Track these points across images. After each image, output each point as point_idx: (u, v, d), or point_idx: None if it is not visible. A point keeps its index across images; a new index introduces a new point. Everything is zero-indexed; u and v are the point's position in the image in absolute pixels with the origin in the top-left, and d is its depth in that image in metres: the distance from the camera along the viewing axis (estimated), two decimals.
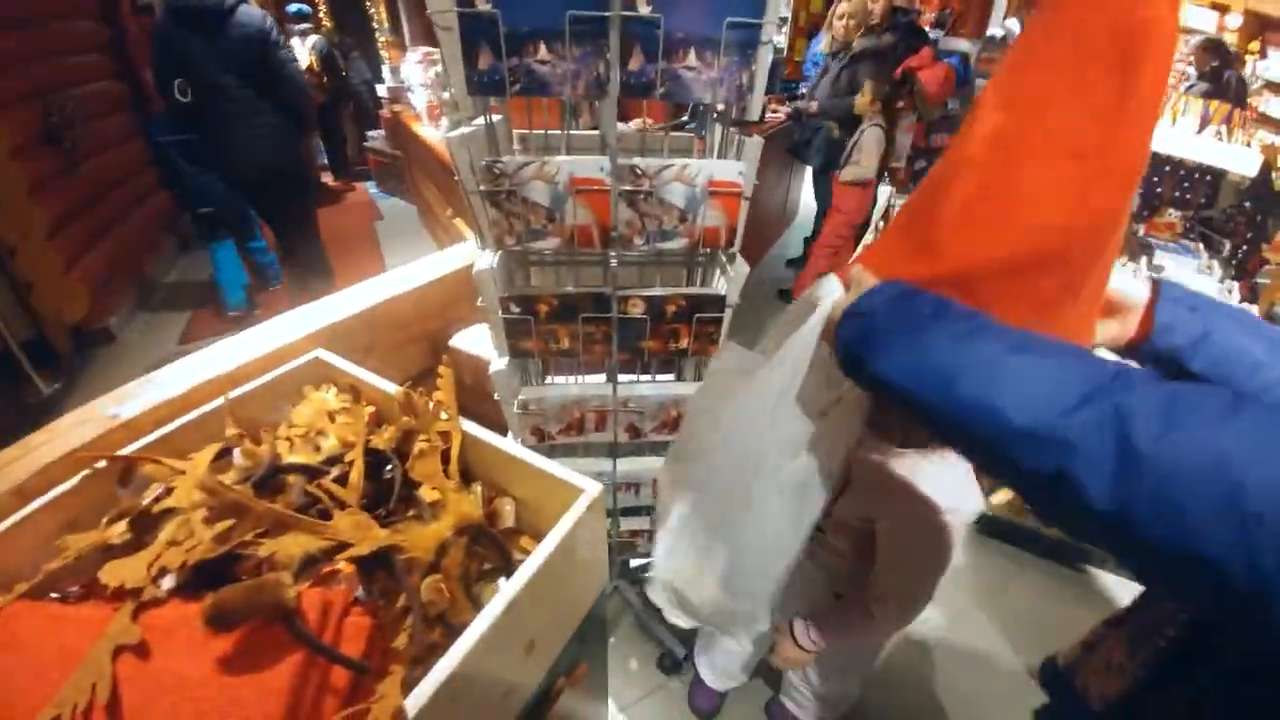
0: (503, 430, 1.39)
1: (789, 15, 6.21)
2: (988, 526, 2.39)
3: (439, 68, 4.25)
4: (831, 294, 0.75)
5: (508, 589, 0.77)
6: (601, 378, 1.43)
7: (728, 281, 1.24)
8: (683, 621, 1.24)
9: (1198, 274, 2.40)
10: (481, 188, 1.03)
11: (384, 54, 7.30)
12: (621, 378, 1.39)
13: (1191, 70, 4.73)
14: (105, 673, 0.65)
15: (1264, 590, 0.41)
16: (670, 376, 1.58)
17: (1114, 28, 0.58)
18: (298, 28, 5.62)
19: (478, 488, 1.01)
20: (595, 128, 1.22)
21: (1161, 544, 0.45)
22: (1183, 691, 0.76)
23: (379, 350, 1.49)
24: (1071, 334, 0.67)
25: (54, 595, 0.81)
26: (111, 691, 0.64)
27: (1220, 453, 0.43)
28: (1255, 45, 5.59)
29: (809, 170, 4.46)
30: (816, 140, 3.80)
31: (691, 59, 0.94)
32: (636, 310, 1.21)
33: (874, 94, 3.38)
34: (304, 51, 5.55)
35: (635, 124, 1.84)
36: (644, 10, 0.89)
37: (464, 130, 1.03)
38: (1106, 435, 0.47)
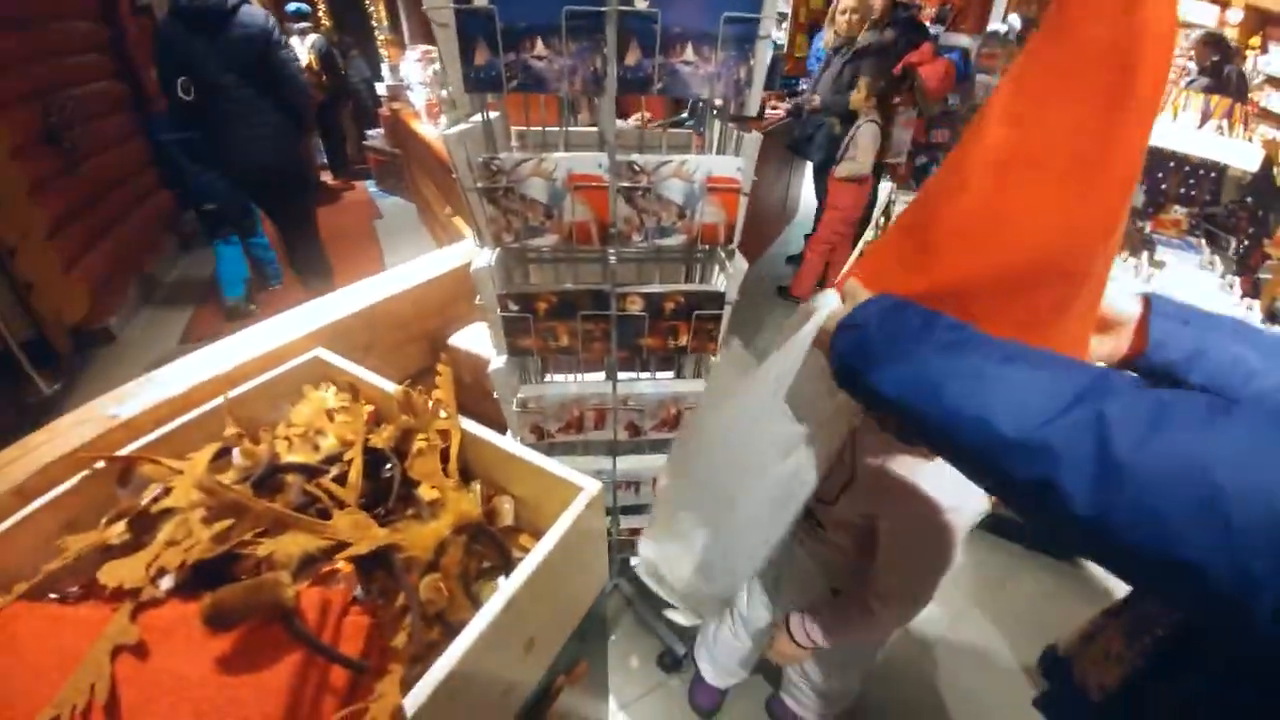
0: (502, 429, 1.39)
1: (788, 11, 6.20)
2: (987, 523, 2.37)
3: (438, 65, 4.24)
4: (827, 305, 0.77)
5: (507, 587, 0.77)
6: (601, 376, 1.42)
7: (727, 278, 1.24)
8: (661, 591, 1.28)
9: (1199, 270, 2.39)
10: (479, 185, 1.03)
11: (383, 52, 7.30)
12: (621, 375, 1.38)
13: (1192, 65, 4.72)
14: (104, 673, 0.65)
15: (1246, 594, 0.41)
16: (670, 374, 1.58)
17: (1111, 39, 0.58)
18: (297, 27, 5.62)
19: (477, 486, 1.01)
20: (594, 124, 1.21)
21: (1143, 550, 0.45)
22: (1178, 685, 0.76)
23: (378, 349, 1.49)
24: (1066, 349, 0.67)
25: (53, 596, 0.81)
26: (110, 692, 0.64)
27: (1200, 458, 0.43)
28: (1256, 40, 5.57)
29: (809, 167, 4.45)
30: (818, 136, 3.79)
31: (689, 54, 0.93)
32: (635, 307, 1.21)
33: (869, 90, 3.38)
34: (303, 50, 5.54)
35: (634, 120, 1.83)
36: (641, 5, 0.89)
37: (461, 127, 1.03)
38: (1088, 442, 0.47)
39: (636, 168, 1.04)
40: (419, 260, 1.71)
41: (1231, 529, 0.41)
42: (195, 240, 4.95)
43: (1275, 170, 4.20)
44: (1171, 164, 3.36)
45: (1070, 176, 0.62)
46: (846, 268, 2.37)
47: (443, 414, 1.03)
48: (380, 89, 6.42)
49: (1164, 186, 3.30)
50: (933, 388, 0.58)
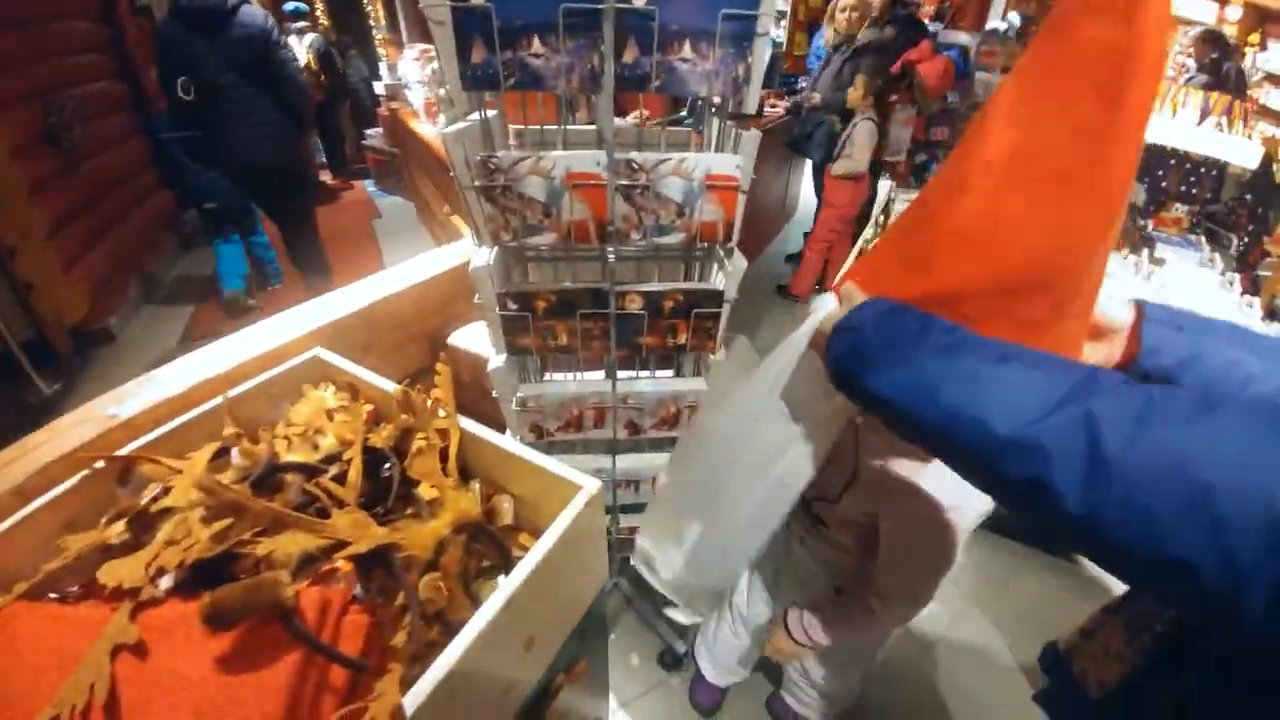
0: (501, 428, 1.39)
1: (787, 9, 6.19)
2: (988, 521, 2.37)
3: (436, 64, 4.24)
4: (824, 308, 0.78)
5: (506, 586, 0.77)
6: (600, 374, 1.42)
7: (726, 276, 1.24)
8: (655, 584, 1.33)
9: (1199, 267, 2.39)
10: (476, 183, 1.03)
11: (381, 51, 7.29)
12: (620, 374, 1.38)
13: (1191, 62, 4.71)
14: (104, 672, 0.65)
15: (1237, 591, 0.41)
16: (669, 372, 1.58)
17: (1111, 40, 0.59)
18: (294, 26, 5.62)
19: (476, 485, 1.01)
20: (592, 123, 1.21)
21: (1134, 548, 0.46)
22: (1176, 683, 0.77)
23: (377, 348, 1.49)
24: (1063, 350, 0.68)
25: (53, 595, 0.81)
26: (110, 691, 0.64)
27: (1187, 455, 0.44)
28: (1255, 37, 5.56)
29: (808, 165, 4.45)
30: (818, 134, 3.79)
31: (687, 51, 0.93)
32: (634, 306, 1.21)
33: (866, 88, 3.38)
34: (301, 50, 5.53)
35: (632, 118, 1.83)
36: (638, 2, 0.89)
37: (459, 126, 1.02)
38: (1078, 441, 0.48)
39: (635, 166, 1.04)
40: (418, 259, 1.71)
41: (1220, 525, 0.42)
42: (195, 240, 4.96)
43: (1275, 167, 4.20)
44: (1172, 161, 3.35)
45: (1069, 178, 0.63)
46: (844, 269, 2.37)
47: (442, 413, 1.03)
48: (378, 88, 6.41)
49: (1164, 184, 3.30)
50: (928, 389, 0.59)
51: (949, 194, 0.71)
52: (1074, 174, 0.63)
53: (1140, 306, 0.76)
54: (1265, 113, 5.15)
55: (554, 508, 0.89)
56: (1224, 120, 2.08)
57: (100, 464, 0.92)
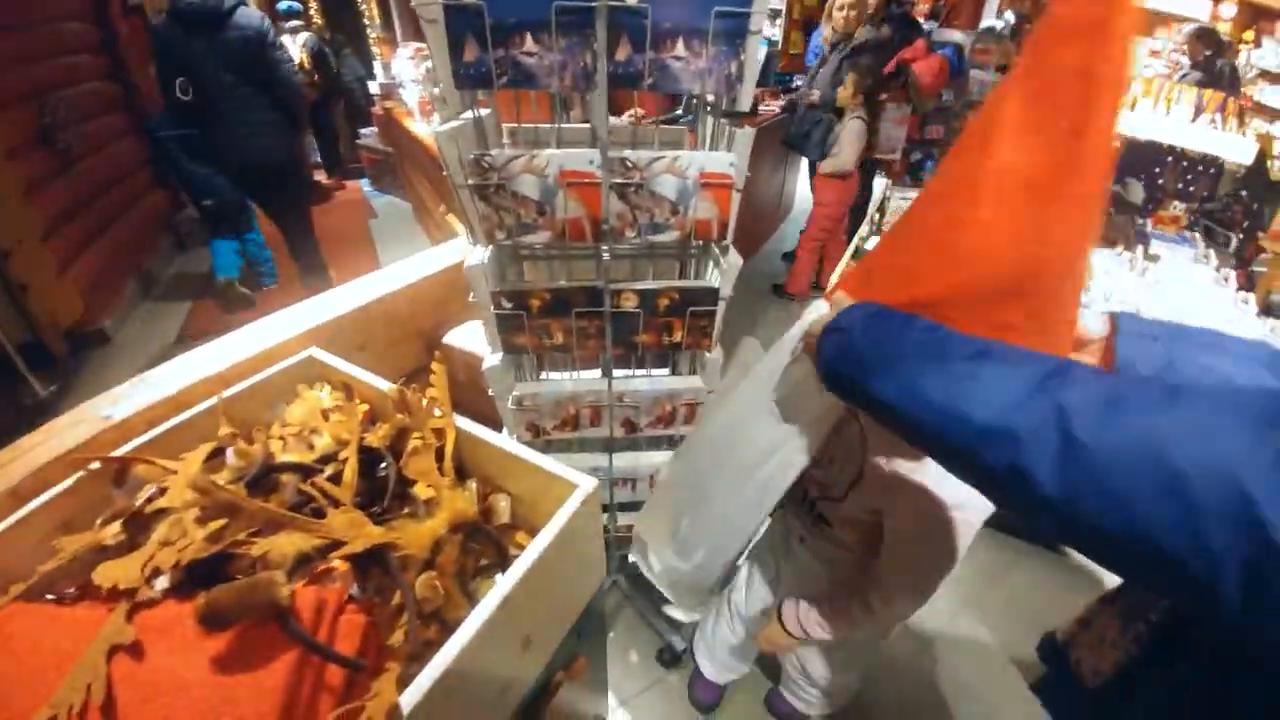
0: (498, 426, 1.39)
1: (781, 7, 6.19)
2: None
3: (430, 63, 4.24)
4: (816, 311, 0.83)
5: (502, 585, 0.78)
6: (596, 373, 1.42)
7: (721, 274, 1.24)
8: (650, 576, 1.36)
9: (1194, 263, 2.39)
10: (470, 182, 1.03)
11: (375, 50, 7.25)
12: (616, 372, 1.38)
13: (1184, 59, 4.72)
14: (100, 673, 0.65)
15: (1212, 574, 0.42)
16: (665, 371, 1.58)
17: (1074, 71, 0.62)
18: (288, 25, 5.60)
19: (472, 484, 1.01)
20: (587, 121, 1.21)
21: (1112, 534, 0.47)
22: (1169, 672, 0.78)
23: (373, 348, 1.49)
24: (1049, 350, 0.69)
25: (50, 596, 0.81)
26: (106, 692, 0.64)
27: (1156, 439, 0.45)
28: (1249, 34, 5.58)
29: (804, 163, 4.46)
30: (816, 133, 3.79)
31: (680, 49, 0.93)
32: (629, 304, 1.21)
33: (856, 86, 3.38)
34: (295, 49, 5.51)
35: (627, 116, 1.83)
36: (631, 0, 0.89)
37: (452, 124, 1.02)
38: (1051, 429, 0.49)
39: (629, 164, 1.04)
40: (413, 259, 1.71)
41: (1190, 508, 0.42)
42: (191, 239, 4.96)
43: (1269, 163, 4.21)
44: (1169, 159, 3.36)
45: (1040, 191, 0.66)
46: (837, 273, 2.37)
47: (438, 412, 1.03)
48: (373, 87, 6.38)
49: (1161, 182, 3.31)
50: (910, 385, 0.61)
51: (931, 205, 0.77)
52: (1045, 187, 0.66)
53: (1114, 319, 0.78)
54: (1260, 109, 5.17)
55: (551, 506, 0.89)
56: (1218, 117, 2.08)
57: (95, 465, 0.91)
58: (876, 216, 2.90)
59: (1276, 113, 5.07)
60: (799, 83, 4.81)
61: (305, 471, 0.93)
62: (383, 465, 0.97)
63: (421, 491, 0.93)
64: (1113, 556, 0.50)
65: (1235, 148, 2.07)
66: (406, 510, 0.93)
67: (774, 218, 5.32)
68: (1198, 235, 2.79)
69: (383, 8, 6.92)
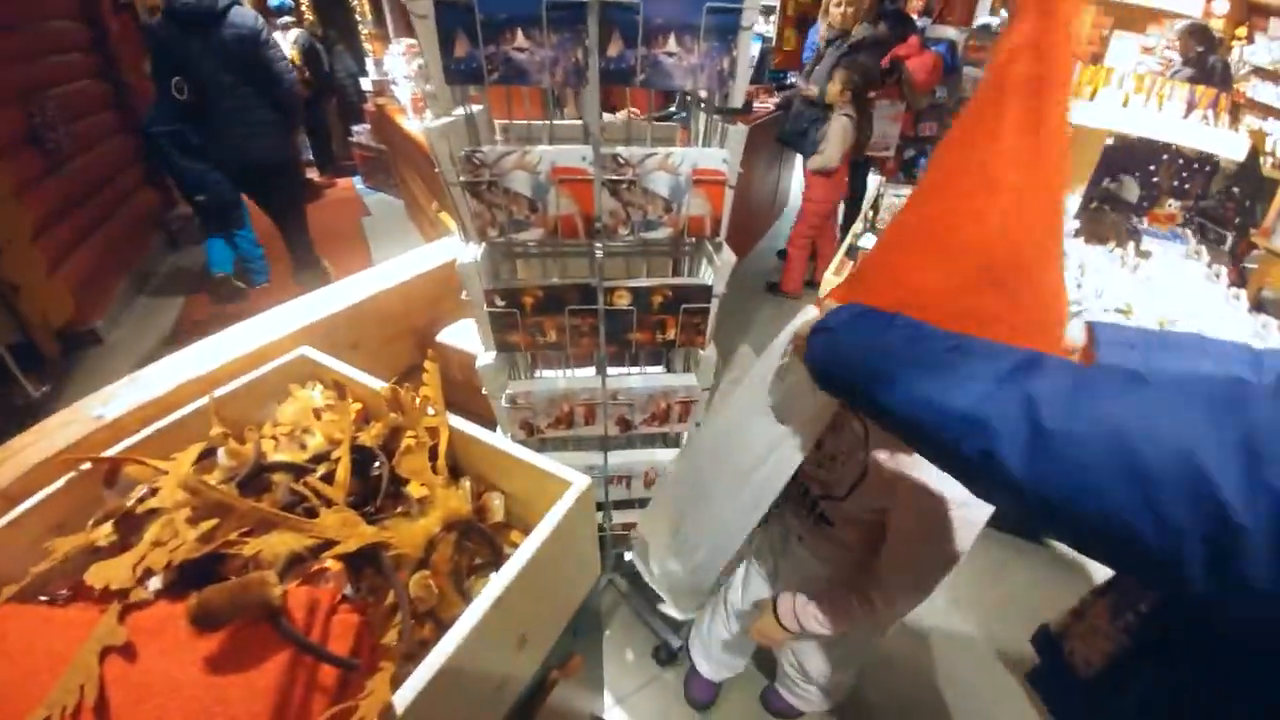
0: (493, 425, 1.39)
1: (775, 4, 6.18)
2: None
3: (422, 59, 4.22)
4: (804, 316, 0.88)
5: (496, 583, 0.77)
6: (590, 371, 1.42)
7: (714, 271, 1.24)
8: (648, 578, 1.39)
9: (1185, 259, 2.40)
10: (462, 179, 1.03)
11: (368, 46, 7.21)
12: (610, 370, 1.38)
13: (1176, 56, 4.74)
14: (93, 674, 0.65)
15: (1176, 550, 0.44)
16: (659, 368, 1.58)
17: (1025, 78, 0.70)
18: (279, 21, 5.57)
19: (466, 483, 1.01)
20: (579, 118, 1.21)
21: (1080, 516, 0.49)
22: (1158, 662, 0.79)
23: (366, 346, 1.48)
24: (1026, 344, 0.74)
25: (42, 598, 0.80)
26: (99, 693, 0.64)
27: (1118, 423, 0.48)
28: (1242, 31, 5.60)
29: (799, 160, 4.45)
30: (812, 130, 3.79)
31: (671, 45, 0.93)
32: (623, 302, 1.21)
33: (844, 83, 3.38)
34: (286, 45, 5.48)
35: (620, 115, 1.82)
36: None
37: (444, 121, 1.02)
38: (1020, 415, 0.52)
39: (621, 160, 1.04)
40: (406, 256, 1.71)
41: (1151, 488, 0.45)
42: (183, 237, 4.95)
43: (1261, 160, 4.23)
44: (1165, 157, 3.37)
45: (1002, 186, 0.72)
46: (831, 270, 2.37)
47: (431, 411, 1.03)
48: (365, 84, 6.35)
49: (1156, 180, 3.32)
50: (892, 378, 0.64)
51: (914, 207, 0.84)
52: (1005, 181, 0.72)
53: (1092, 329, 0.81)
54: (1252, 106, 5.19)
55: (545, 505, 0.89)
56: (1210, 113, 2.08)
57: (86, 466, 0.91)
58: (870, 213, 2.90)
59: (1269, 109, 5.10)
60: (793, 80, 4.81)
61: (297, 471, 0.92)
62: (376, 464, 0.96)
63: (415, 490, 0.93)
64: (1085, 541, 0.52)
65: (1227, 143, 2.07)
66: (400, 509, 0.92)
67: (768, 215, 5.32)
68: (1189, 232, 2.80)
69: (374, 4, 6.89)
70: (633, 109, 1.30)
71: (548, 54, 0.92)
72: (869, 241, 2.63)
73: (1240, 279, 3.38)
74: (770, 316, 3.97)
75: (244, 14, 3.14)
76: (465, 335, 1.66)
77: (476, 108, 1.09)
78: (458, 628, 0.72)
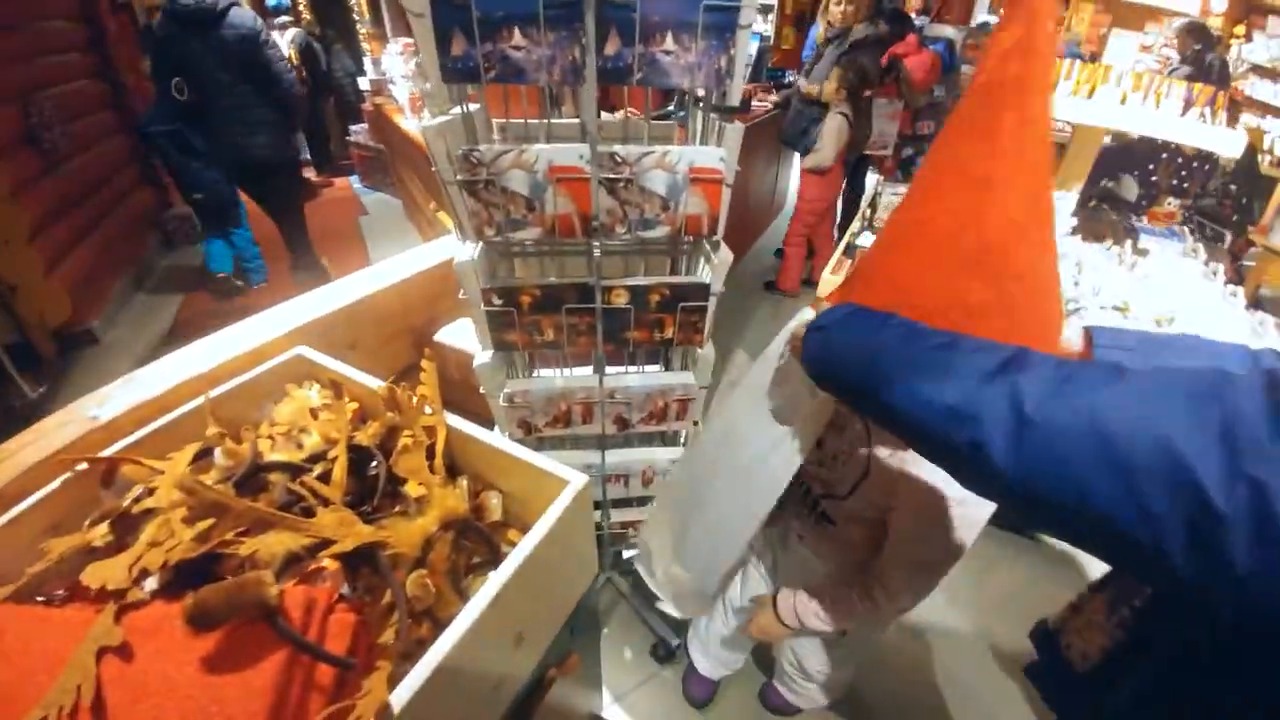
0: (491, 424, 1.38)
1: (773, 3, 6.18)
2: None
3: (419, 58, 4.22)
4: (800, 319, 0.90)
5: (493, 582, 0.77)
6: (588, 370, 1.42)
7: (712, 270, 1.24)
8: (652, 585, 1.40)
9: (1183, 257, 2.40)
10: (459, 177, 1.02)
11: (365, 46, 7.20)
12: (608, 369, 1.38)
13: (1174, 54, 4.74)
14: (89, 674, 0.64)
15: (1156, 536, 0.45)
16: (657, 367, 1.58)
17: (1009, 78, 0.73)
18: (277, 21, 5.56)
19: (464, 482, 1.01)
20: (577, 116, 1.21)
21: (1063, 504, 0.50)
22: (1151, 659, 0.80)
23: (363, 346, 1.48)
24: (1017, 332, 0.75)
25: (39, 598, 0.80)
26: (96, 693, 0.63)
27: (1097, 413, 0.49)
28: (1240, 29, 5.60)
29: (797, 159, 4.45)
30: (813, 130, 3.79)
31: (669, 43, 0.93)
32: (620, 300, 1.21)
33: (840, 82, 3.38)
34: (284, 45, 5.47)
35: (619, 115, 1.82)
36: None
37: (441, 119, 1.02)
38: (1005, 408, 0.54)
39: (618, 159, 1.04)
40: (403, 256, 1.70)
41: (1131, 476, 0.46)
42: (179, 237, 4.96)
43: (1259, 157, 4.23)
44: (1164, 156, 3.37)
45: (988, 181, 0.75)
46: (829, 269, 2.37)
47: (428, 410, 1.03)
48: (363, 83, 6.34)
49: (1155, 179, 3.32)
50: (885, 375, 0.66)
51: (904, 207, 0.87)
52: (992, 177, 0.74)
53: (1089, 333, 0.82)
54: (1250, 103, 5.20)
55: (542, 503, 0.89)
56: (1207, 111, 2.09)
57: (83, 466, 0.91)
58: (868, 212, 2.90)
59: (1267, 107, 5.10)
60: (791, 78, 4.80)
61: (294, 470, 0.92)
62: (373, 464, 0.96)
63: (412, 490, 0.93)
64: (1072, 531, 0.54)
65: (1224, 141, 2.07)
66: (397, 509, 0.92)
67: (767, 214, 5.32)
68: (1186, 230, 2.80)
69: (372, 3, 6.88)
70: (631, 110, 1.30)
71: (545, 52, 0.92)
72: (867, 240, 2.63)
73: (1238, 276, 3.39)
74: (769, 315, 3.97)
75: (243, 14, 3.19)
76: (463, 334, 1.66)
77: (474, 106, 1.09)
78: (455, 626, 0.72)
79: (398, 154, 4.99)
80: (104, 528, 0.84)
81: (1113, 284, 2.04)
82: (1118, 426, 0.47)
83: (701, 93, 1.12)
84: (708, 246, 1.27)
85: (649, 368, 1.55)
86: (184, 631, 0.66)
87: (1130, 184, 3.26)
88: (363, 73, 6.66)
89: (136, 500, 0.86)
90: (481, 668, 0.80)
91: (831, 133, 3.43)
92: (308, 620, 0.71)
